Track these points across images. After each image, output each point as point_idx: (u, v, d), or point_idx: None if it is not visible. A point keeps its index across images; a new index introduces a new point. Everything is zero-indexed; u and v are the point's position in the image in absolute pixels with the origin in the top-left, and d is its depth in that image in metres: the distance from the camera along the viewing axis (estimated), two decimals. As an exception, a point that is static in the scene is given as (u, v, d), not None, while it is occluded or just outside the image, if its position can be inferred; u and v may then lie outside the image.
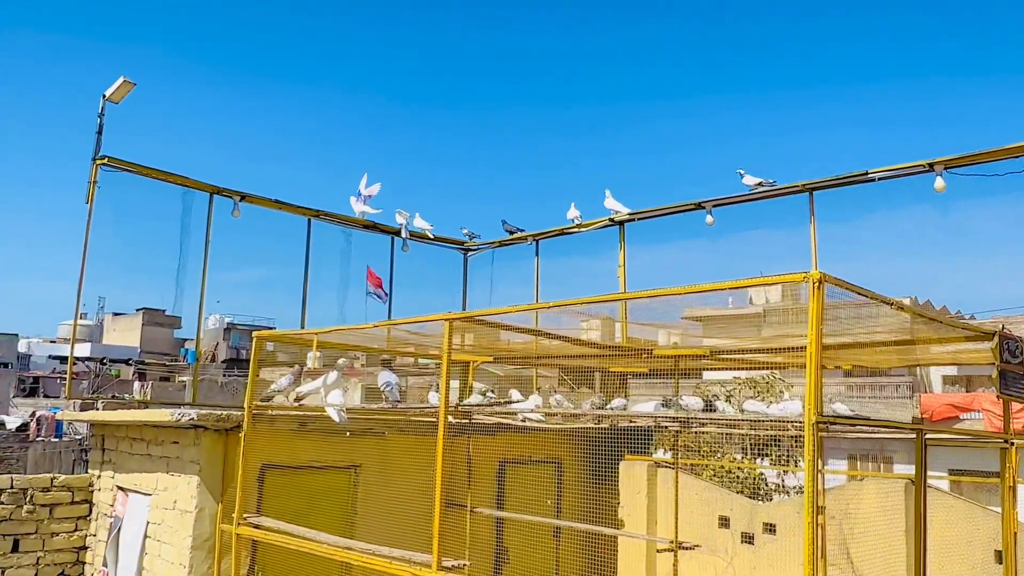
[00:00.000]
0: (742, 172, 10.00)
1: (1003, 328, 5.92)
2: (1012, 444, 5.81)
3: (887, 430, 16.99)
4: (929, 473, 17.26)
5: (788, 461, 16.43)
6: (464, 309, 11.82)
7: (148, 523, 8.42)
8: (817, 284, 4.33)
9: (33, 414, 26.11)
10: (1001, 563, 6.37)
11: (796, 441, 11.58)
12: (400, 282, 12.35)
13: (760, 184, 9.87)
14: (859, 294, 4.82)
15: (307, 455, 8.38)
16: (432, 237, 12.45)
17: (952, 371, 23.43)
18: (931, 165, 8.34)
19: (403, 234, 11.82)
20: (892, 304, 5.01)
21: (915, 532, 5.18)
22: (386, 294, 11.94)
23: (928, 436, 5.44)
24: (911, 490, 7.01)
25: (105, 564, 8.95)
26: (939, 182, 8.34)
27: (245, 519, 7.50)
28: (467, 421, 8.70)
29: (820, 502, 7.69)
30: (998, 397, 5.94)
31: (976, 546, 7.58)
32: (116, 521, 8.97)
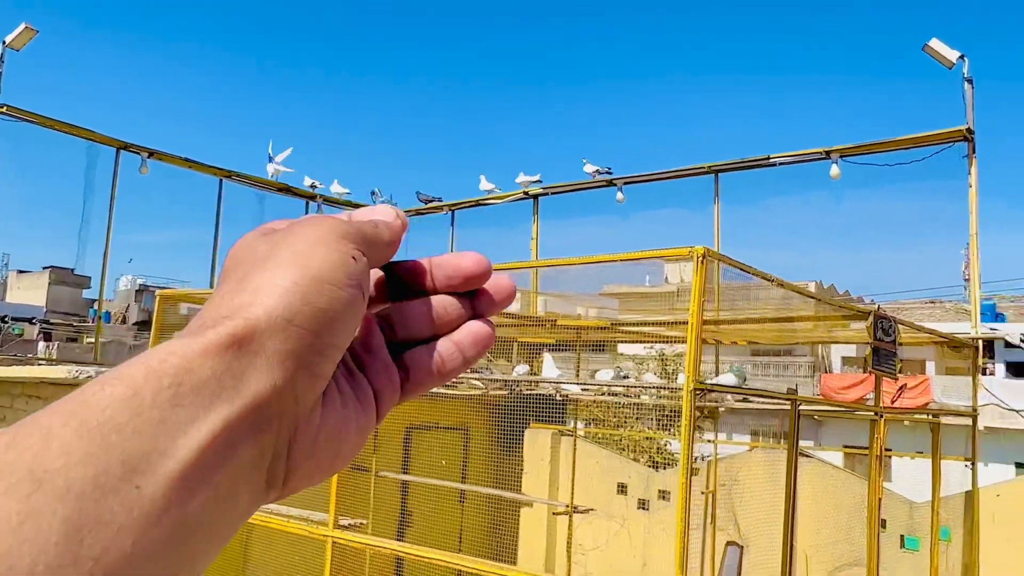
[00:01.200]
0: (585, 160, 10.71)
1: (878, 308, 6.32)
2: (881, 416, 6.21)
3: (773, 403, 17.71)
4: (823, 446, 18.08)
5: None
6: (379, 276, 11.71)
7: (43, 482, 8.25)
8: (701, 259, 4.55)
9: (-72, 372, 24.90)
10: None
11: (702, 413, 12.01)
12: (315, 247, 12.21)
13: (598, 171, 10.55)
14: (741, 270, 5.08)
15: (210, 416, 8.33)
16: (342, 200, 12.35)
17: (851, 352, 24.53)
18: (828, 153, 8.68)
19: (317, 199, 11.71)
20: (772, 280, 5.30)
21: (785, 493, 5.52)
22: None
23: (801, 407, 5.78)
24: (794, 459, 7.43)
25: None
26: (834, 169, 8.70)
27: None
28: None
29: (696, 468, 8.06)
30: (870, 372, 6.36)
31: (850, 511, 8.07)
32: (10, 480, 8.77)
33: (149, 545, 0.35)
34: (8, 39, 8.80)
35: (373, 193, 12.30)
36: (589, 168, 10.53)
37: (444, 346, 0.49)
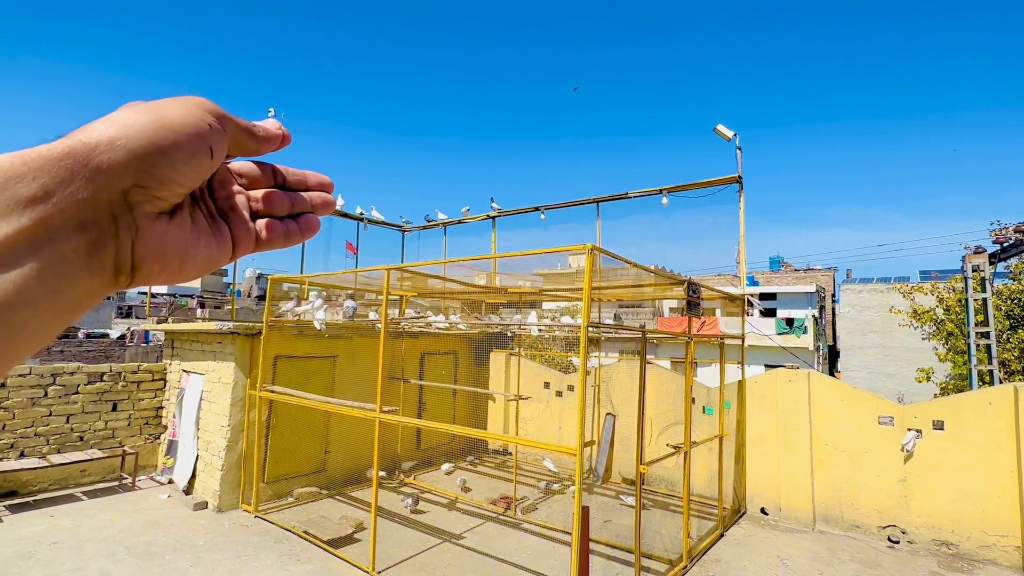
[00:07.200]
0: (492, 201, 10.89)
1: (690, 279, 6.43)
2: (691, 340, 6.34)
3: (631, 334, 18.04)
4: (657, 357, 18.32)
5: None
6: (402, 265, 11.53)
7: (202, 391, 7.99)
8: (590, 252, 4.56)
9: (128, 328, 23.82)
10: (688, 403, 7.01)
11: (591, 341, 12.18)
12: (362, 250, 11.97)
13: (498, 207, 10.77)
14: (614, 258, 5.10)
15: (304, 349, 8.15)
16: (381, 221, 12.05)
17: (674, 304, 25.02)
18: (661, 190, 8.77)
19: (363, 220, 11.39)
20: (632, 264, 5.34)
21: (639, 386, 5.62)
22: (355, 252, 11.51)
23: (648, 336, 5.86)
24: (643, 365, 7.60)
25: (174, 416, 8.45)
26: (664, 200, 8.78)
27: (264, 387, 7.25)
28: (401, 329, 8.66)
29: (588, 372, 8.09)
30: (686, 315, 6.47)
31: (674, 393, 8.26)
32: (181, 391, 8.46)
33: None
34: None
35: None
36: (495, 206, 10.73)
37: (289, 225, 0.42)
